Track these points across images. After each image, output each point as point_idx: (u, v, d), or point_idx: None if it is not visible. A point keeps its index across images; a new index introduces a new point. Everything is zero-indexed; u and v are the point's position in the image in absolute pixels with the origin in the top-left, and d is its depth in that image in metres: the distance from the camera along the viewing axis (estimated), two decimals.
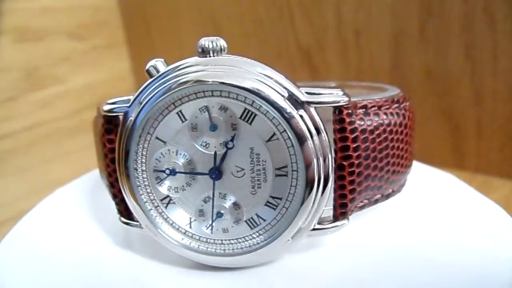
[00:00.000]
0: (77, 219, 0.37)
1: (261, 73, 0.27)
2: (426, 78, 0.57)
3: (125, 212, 0.31)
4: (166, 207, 0.30)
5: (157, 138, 0.29)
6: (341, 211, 0.29)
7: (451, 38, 0.53)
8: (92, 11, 0.76)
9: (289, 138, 0.26)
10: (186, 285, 0.29)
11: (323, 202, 0.27)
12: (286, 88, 0.26)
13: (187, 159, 0.29)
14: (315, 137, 0.26)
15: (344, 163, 0.28)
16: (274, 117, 0.26)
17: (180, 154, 0.29)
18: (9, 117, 0.65)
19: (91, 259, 0.31)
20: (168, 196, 0.30)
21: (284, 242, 0.28)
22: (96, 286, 0.29)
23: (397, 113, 0.31)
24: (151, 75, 0.28)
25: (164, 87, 0.27)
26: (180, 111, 0.28)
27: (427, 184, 0.40)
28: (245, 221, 0.29)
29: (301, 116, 0.26)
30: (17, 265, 0.31)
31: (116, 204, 0.32)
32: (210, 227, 0.30)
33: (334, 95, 0.27)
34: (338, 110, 0.27)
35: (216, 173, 0.29)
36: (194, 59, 0.28)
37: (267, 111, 0.26)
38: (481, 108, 0.54)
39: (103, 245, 0.33)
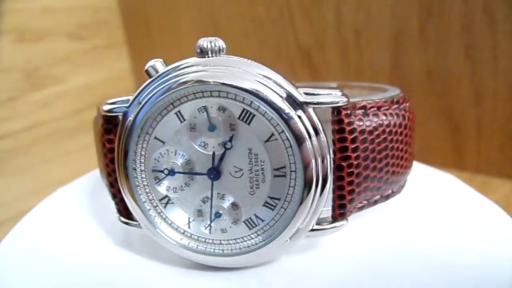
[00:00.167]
0: (77, 219, 0.37)
1: (259, 74, 0.27)
2: (426, 78, 0.57)
3: (124, 211, 0.31)
4: (164, 207, 0.30)
5: (156, 138, 0.29)
6: (339, 212, 0.29)
7: (451, 38, 0.53)
8: (92, 11, 0.76)
9: (288, 138, 0.26)
10: (185, 285, 0.29)
11: (322, 203, 0.27)
12: (284, 89, 0.26)
13: (185, 159, 0.29)
14: (314, 138, 0.26)
15: (343, 164, 0.28)
16: (272, 117, 0.26)
17: (179, 154, 0.29)
18: (9, 117, 0.65)
19: (91, 259, 0.31)
20: (166, 196, 0.30)
21: (283, 242, 0.28)
22: (96, 286, 0.29)
23: (397, 114, 0.31)
24: (150, 76, 0.28)
25: (163, 87, 0.27)
26: (179, 111, 0.28)
27: (427, 185, 0.39)
28: (244, 222, 0.29)
29: (299, 117, 0.26)
30: (17, 265, 0.31)
31: (116, 203, 0.32)
32: (208, 227, 0.30)
33: (332, 96, 0.27)
34: (337, 110, 0.27)
35: (214, 173, 0.29)
36: (194, 59, 0.28)
37: (266, 112, 0.26)
38: (481, 108, 0.54)
39: (103, 245, 0.33)
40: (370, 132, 0.29)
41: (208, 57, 0.27)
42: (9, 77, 0.65)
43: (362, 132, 0.28)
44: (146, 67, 0.28)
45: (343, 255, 0.30)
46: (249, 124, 0.27)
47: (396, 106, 0.31)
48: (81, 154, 0.67)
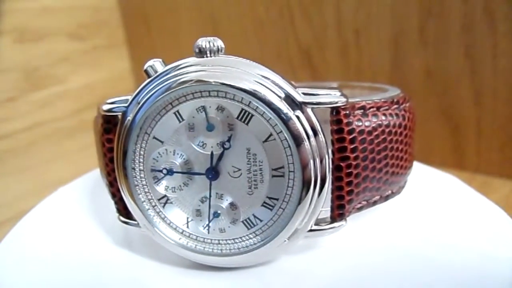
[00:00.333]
0: (78, 218, 0.37)
1: (258, 74, 0.27)
2: (426, 78, 0.57)
3: (124, 211, 0.31)
4: (163, 206, 0.30)
5: (154, 137, 0.29)
6: (338, 212, 0.29)
7: (451, 38, 0.53)
8: (92, 11, 0.76)
9: (286, 139, 0.26)
10: (184, 284, 0.29)
11: (320, 203, 0.27)
12: (283, 89, 0.26)
13: (184, 159, 0.29)
14: (312, 138, 0.26)
15: (342, 164, 0.28)
16: (270, 117, 0.26)
17: (178, 154, 0.29)
18: (9, 117, 0.65)
19: (91, 258, 0.31)
20: (165, 195, 0.30)
21: (281, 243, 0.28)
22: (96, 286, 0.29)
23: (397, 114, 0.31)
24: (149, 75, 0.28)
25: (163, 86, 0.27)
26: (178, 111, 0.28)
27: (427, 185, 0.39)
28: (242, 222, 0.29)
29: (297, 117, 0.26)
30: (17, 265, 0.31)
31: (115, 203, 0.32)
32: (207, 227, 0.30)
33: (331, 96, 0.27)
34: (336, 111, 0.27)
35: (212, 173, 0.29)
36: (193, 59, 0.28)
37: (264, 112, 0.26)
38: (481, 108, 0.54)
39: (103, 245, 0.33)
40: (369, 133, 0.29)
41: (207, 57, 0.27)
42: (9, 77, 0.65)
43: (361, 132, 0.28)
44: (145, 67, 0.28)
45: (343, 255, 0.30)
46: (247, 124, 0.27)
47: (396, 106, 0.31)
48: (81, 154, 0.67)
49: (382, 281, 0.28)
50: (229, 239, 0.29)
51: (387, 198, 0.32)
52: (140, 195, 0.30)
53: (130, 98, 0.29)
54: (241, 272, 0.29)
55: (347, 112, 0.28)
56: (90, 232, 0.35)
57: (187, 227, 0.30)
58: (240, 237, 0.29)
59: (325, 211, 0.29)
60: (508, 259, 0.29)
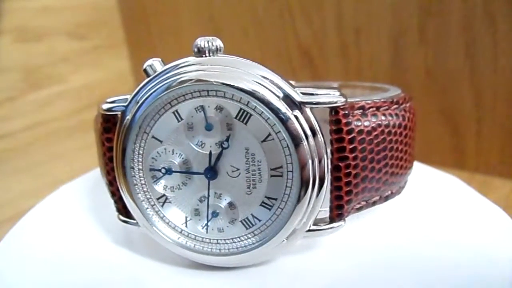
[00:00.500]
0: (78, 218, 0.37)
1: (257, 74, 0.27)
2: (426, 78, 0.57)
3: (123, 210, 0.31)
4: (162, 206, 0.30)
5: (153, 137, 0.29)
6: (337, 212, 0.29)
7: (451, 38, 0.53)
8: (92, 11, 0.76)
9: (284, 138, 0.26)
10: (183, 283, 0.29)
11: (319, 203, 0.27)
12: (281, 89, 0.26)
13: (183, 158, 0.29)
14: (310, 138, 0.26)
15: (340, 164, 0.28)
16: (269, 117, 0.26)
17: (176, 153, 0.29)
18: (9, 117, 0.65)
19: (91, 258, 0.31)
20: (164, 195, 0.30)
21: (279, 242, 0.28)
22: (96, 285, 0.29)
23: (396, 114, 0.31)
24: (148, 75, 0.28)
25: (162, 85, 0.27)
26: (176, 110, 0.28)
27: (426, 185, 0.39)
28: (241, 221, 0.29)
29: (296, 117, 0.26)
30: (17, 264, 0.31)
31: (115, 202, 0.32)
32: (205, 227, 0.30)
33: (330, 96, 0.27)
34: (335, 110, 0.27)
35: (211, 172, 0.28)
36: (192, 59, 0.28)
37: (262, 112, 0.26)
38: (481, 108, 0.54)
39: (102, 244, 0.33)
40: (369, 133, 0.29)
41: (205, 56, 0.27)
42: (9, 77, 0.65)
43: (360, 132, 0.28)
44: (144, 66, 0.28)
45: (342, 255, 0.30)
46: (246, 123, 0.27)
47: (396, 106, 0.31)
48: (81, 154, 0.67)
49: (381, 281, 0.28)
50: (228, 239, 0.29)
51: (386, 198, 0.32)
52: (139, 194, 0.30)
53: (129, 97, 0.29)
54: (239, 272, 0.29)
55: (346, 112, 0.28)
56: (90, 231, 0.35)
57: (186, 226, 0.30)
58: (239, 237, 0.29)
59: (324, 211, 0.29)
60: (508, 259, 0.29)
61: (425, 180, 0.40)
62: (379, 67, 0.60)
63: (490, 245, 0.30)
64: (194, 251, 0.29)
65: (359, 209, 0.31)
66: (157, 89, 0.27)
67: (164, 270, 0.30)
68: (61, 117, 0.72)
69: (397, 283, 0.27)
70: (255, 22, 0.68)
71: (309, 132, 0.26)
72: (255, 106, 0.26)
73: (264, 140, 0.27)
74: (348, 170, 0.28)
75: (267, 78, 0.26)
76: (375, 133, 0.29)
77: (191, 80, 0.26)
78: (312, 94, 0.27)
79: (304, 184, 0.27)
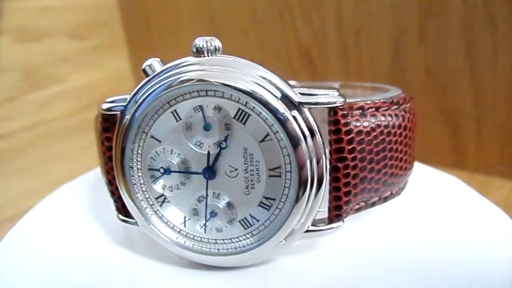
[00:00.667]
0: (78, 217, 0.37)
1: (255, 74, 0.27)
2: (426, 78, 0.57)
3: (122, 209, 0.31)
4: (161, 205, 0.30)
5: (152, 137, 0.29)
6: (336, 213, 0.29)
7: (451, 38, 0.53)
8: (92, 11, 0.76)
9: (283, 139, 0.26)
10: (182, 283, 0.29)
11: (317, 203, 0.27)
12: (279, 89, 0.26)
13: (181, 158, 0.29)
14: (309, 139, 0.26)
15: (339, 165, 0.28)
16: (267, 118, 0.26)
17: (175, 153, 0.29)
18: (9, 117, 0.65)
19: (91, 257, 0.31)
20: (163, 194, 0.30)
21: (277, 243, 0.28)
22: (96, 284, 0.29)
23: (396, 115, 0.30)
24: (147, 74, 0.28)
25: (162, 85, 0.27)
26: (175, 110, 0.28)
27: (426, 185, 0.39)
28: (239, 221, 0.29)
29: (294, 117, 0.26)
30: (17, 264, 0.31)
31: (114, 201, 0.32)
32: (204, 227, 0.30)
33: (329, 96, 0.27)
34: (333, 111, 0.27)
35: (209, 172, 0.28)
36: (192, 59, 0.28)
37: (261, 112, 0.26)
38: (481, 108, 0.54)
39: (102, 244, 0.33)
40: (368, 133, 0.28)
41: (204, 56, 0.27)
42: (9, 77, 0.66)
43: (359, 133, 0.28)
44: (143, 66, 0.28)
45: (341, 255, 0.30)
46: (244, 124, 0.27)
47: (395, 106, 0.31)
48: (81, 154, 0.67)
49: (381, 281, 0.28)
50: (226, 239, 0.29)
51: (386, 199, 0.32)
52: (138, 194, 0.30)
53: (128, 97, 0.29)
54: (238, 272, 0.29)
55: (345, 112, 0.27)
56: (90, 231, 0.35)
57: (184, 226, 0.30)
58: (237, 237, 0.29)
59: (323, 212, 0.29)
60: (508, 259, 0.28)
61: (425, 180, 0.40)
62: (379, 67, 0.60)
63: (490, 245, 0.30)
64: (192, 251, 0.29)
65: (358, 210, 0.30)
66: (156, 88, 0.27)
67: (163, 269, 0.30)
68: (61, 117, 0.72)
69: (397, 283, 0.27)
70: (255, 22, 0.68)
71: (307, 133, 0.26)
72: (254, 106, 0.26)
73: (262, 140, 0.27)
74: (347, 171, 0.28)
75: (265, 78, 0.26)
76: (374, 133, 0.29)
77: (191, 80, 0.26)
78: (310, 95, 0.26)
79: (302, 184, 0.27)
